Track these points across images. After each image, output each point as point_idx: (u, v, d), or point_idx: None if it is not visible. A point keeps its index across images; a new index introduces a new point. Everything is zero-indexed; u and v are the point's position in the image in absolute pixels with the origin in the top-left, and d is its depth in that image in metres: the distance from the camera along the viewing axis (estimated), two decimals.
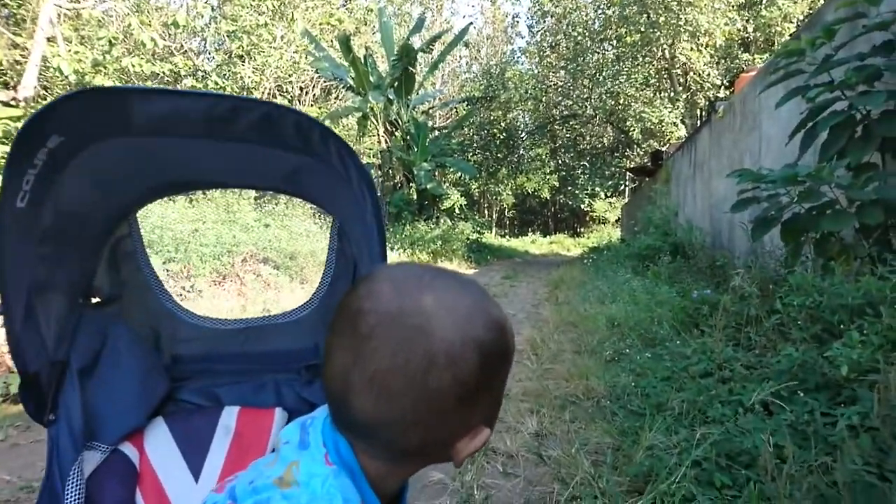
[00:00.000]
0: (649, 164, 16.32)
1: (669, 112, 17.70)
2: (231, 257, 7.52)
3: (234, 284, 6.87)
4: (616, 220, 28.54)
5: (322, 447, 0.64)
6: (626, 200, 23.96)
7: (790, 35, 15.77)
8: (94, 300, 1.08)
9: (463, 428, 0.63)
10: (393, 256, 14.30)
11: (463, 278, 0.65)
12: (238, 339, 1.17)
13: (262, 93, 20.78)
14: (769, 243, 5.08)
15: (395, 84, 19.31)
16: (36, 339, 0.90)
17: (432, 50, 19.72)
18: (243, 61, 20.00)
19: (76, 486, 0.90)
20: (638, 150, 20.51)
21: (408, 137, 19.80)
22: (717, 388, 2.86)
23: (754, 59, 16.09)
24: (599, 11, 18.66)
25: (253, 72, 19.93)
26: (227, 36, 20.05)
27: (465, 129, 23.18)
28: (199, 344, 1.16)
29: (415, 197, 19.62)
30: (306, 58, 20.02)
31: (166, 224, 7.57)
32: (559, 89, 21.27)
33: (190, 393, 1.12)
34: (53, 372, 0.94)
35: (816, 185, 3.55)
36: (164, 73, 19.30)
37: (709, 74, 16.26)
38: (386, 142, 19.80)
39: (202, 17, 20.42)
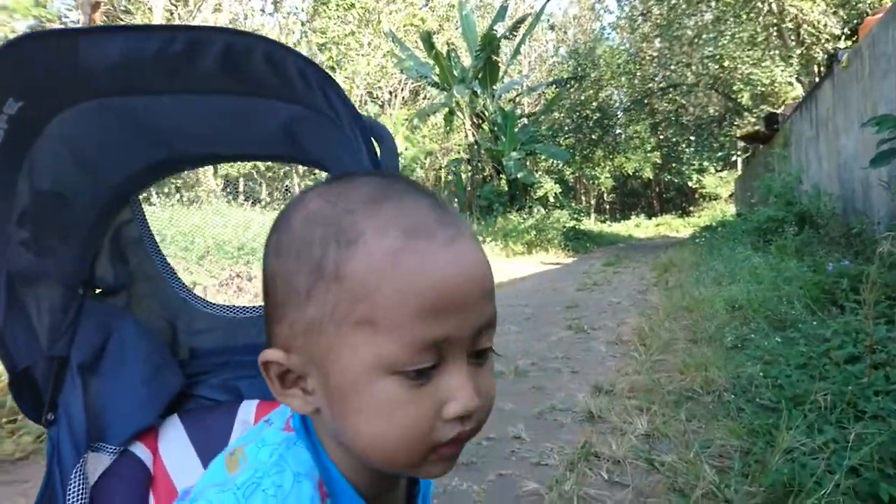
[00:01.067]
0: (763, 129, 14.89)
1: (782, 71, 16.20)
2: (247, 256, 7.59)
3: (253, 284, 6.85)
4: (729, 196, 26.35)
5: (288, 410, 0.56)
6: (740, 173, 22.11)
7: None
8: (98, 291, 1.02)
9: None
10: (486, 249, 14.10)
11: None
12: (255, 328, 1.08)
13: (354, 101, 21.33)
14: None
15: (480, 75, 19.10)
16: (25, 331, 0.85)
17: (515, 36, 19.27)
18: (334, 71, 20.62)
19: (79, 490, 0.85)
20: (749, 116, 18.85)
21: (495, 128, 19.52)
22: (869, 375, 2.36)
23: (881, 0, 14.23)
24: None
25: (344, 81, 20.49)
26: (318, 48, 20.78)
27: (555, 113, 22.45)
28: (216, 335, 1.08)
29: (506, 188, 19.26)
30: (392, 61, 20.29)
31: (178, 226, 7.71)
32: (655, 60, 19.98)
33: (210, 388, 1.03)
34: (50, 368, 0.89)
35: None
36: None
37: (825, 24, 14.61)
38: (473, 135, 19.64)
39: (293, 33, 21.29)
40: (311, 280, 0.51)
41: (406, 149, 20.38)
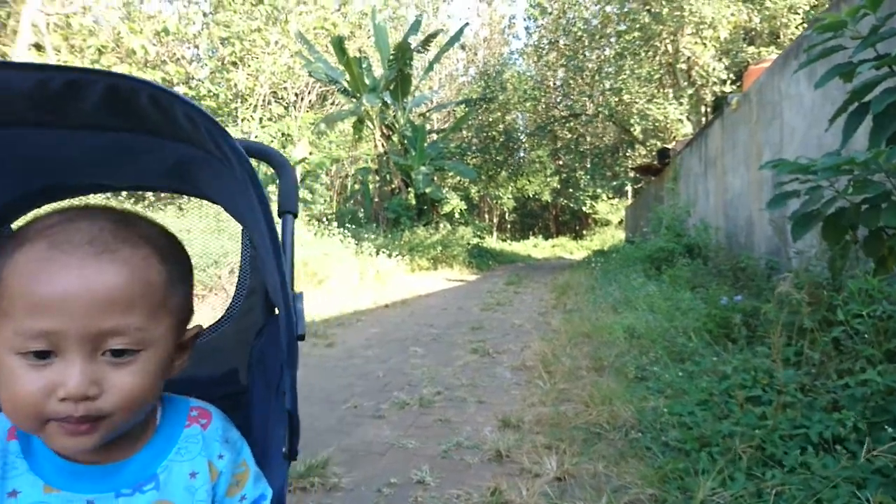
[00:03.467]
0: (655, 162, 15.90)
1: (675, 108, 17.33)
2: (217, 268, 7.08)
3: (220, 298, 6.43)
4: (619, 222, 28.06)
5: None
6: (630, 201, 23.44)
7: (799, 25, 15.27)
8: None
9: None
10: (391, 264, 13.81)
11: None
12: None
13: (257, 99, 20.39)
14: (800, 243, 4.62)
15: (391, 86, 18.93)
16: None
17: (428, 50, 19.35)
18: (237, 67, 19.62)
19: None
20: (641, 149, 20.07)
21: (405, 141, 19.39)
22: (774, 417, 2.38)
23: (760, 52, 15.66)
24: (598, 7, 18.25)
25: (247, 78, 19.54)
26: (220, 42, 19.68)
27: (464, 131, 22.84)
28: None
29: (413, 202, 19.18)
30: (300, 62, 19.64)
31: None
32: (559, 89, 20.84)
33: None
34: None
35: (870, 175, 3.08)
36: (155, 81, 18.96)
37: (714, 69, 15.83)
38: (383, 145, 19.41)
39: (193, 23, 20.05)
40: None
41: (311, 154, 19.77)
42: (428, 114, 22.61)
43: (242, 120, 19.75)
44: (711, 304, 4.37)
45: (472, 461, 2.67)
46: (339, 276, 10.33)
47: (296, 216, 0.99)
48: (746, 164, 7.21)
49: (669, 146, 15.43)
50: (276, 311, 1.07)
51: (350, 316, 7.44)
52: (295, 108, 20.54)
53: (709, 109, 17.89)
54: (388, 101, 19.44)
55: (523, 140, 24.23)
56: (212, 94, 18.68)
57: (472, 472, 2.56)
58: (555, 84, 20.80)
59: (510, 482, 2.36)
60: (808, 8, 15.05)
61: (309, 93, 20.83)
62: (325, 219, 16.30)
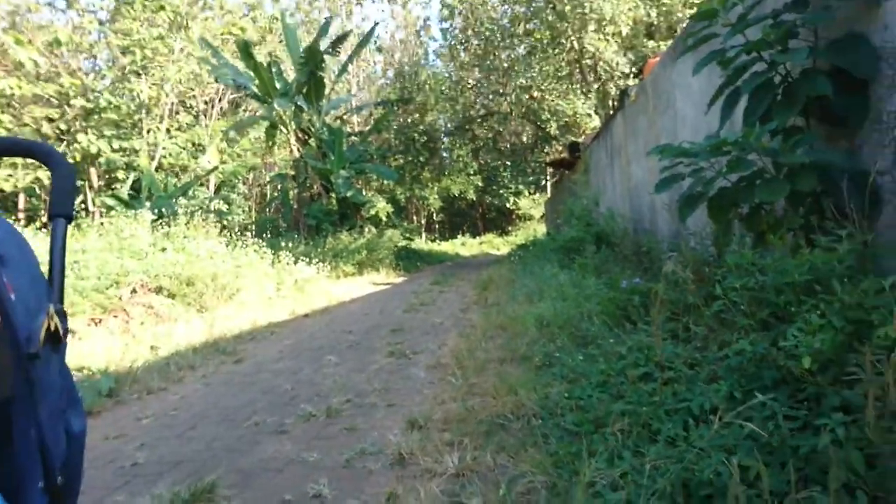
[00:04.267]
0: (567, 156, 16.33)
1: (583, 103, 17.90)
2: (117, 289, 6.66)
3: (119, 321, 6.03)
4: (541, 217, 28.77)
5: None
6: (549, 196, 24.11)
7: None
8: None
9: None
10: (310, 271, 13.42)
11: None
12: None
13: (163, 109, 19.46)
14: (694, 223, 4.83)
15: (304, 90, 18.56)
16: None
17: (339, 52, 19.08)
18: (139, 77, 18.69)
19: None
20: (556, 144, 20.63)
21: (322, 145, 19.04)
22: (660, 393, 2.44)
23: (659, 45, 16.41)
24: (506, 7, 18.60)
25: (150, 87, 18.62)
26: (120, 52, 18.68)
27: (385, 133, 22.71)
28: None
29: (335, 207, 18.86)
30: (207, 69, 18.94)
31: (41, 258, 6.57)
32: (474, 88, 21.09)
33: None
34: None
35: (744, 154, 3.23)
36: (49, 94, 17.75)
37: (617, 63, 16.46)
38: (299, 150, 18.99)
39: (90, 33, 18.92)
40: None
41: (224, 162, 19.07)
42: (346, 117, 22.35)
43: (148, 131, 18.82)
44: (614, 289, 4.49)
45: (373, 468, 2.60)
46: (254, 289, 10.05)
47: (70, 220, 0.89)
48: (646, 152, 7.49)
49: (581, 140, 15.86)
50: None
51: (264, 329, 7.19)
52: (206, 116, 19.75)
53: (615, 102, 18.56)
54: (303, 105, 19.04)
55: (444, 140, 24.40)
56: (113, 105, 17.72)
57: (373, 478, 2.49)
58: (471, 84, 21.04)
59: (408, 485, 2.31)
60: (699, 1, 15.91)
61: (220, 100, 20.11)
62: (238, 230, 15.77)
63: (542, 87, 18.36)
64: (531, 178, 23.99)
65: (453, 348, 4.87)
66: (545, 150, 21.87)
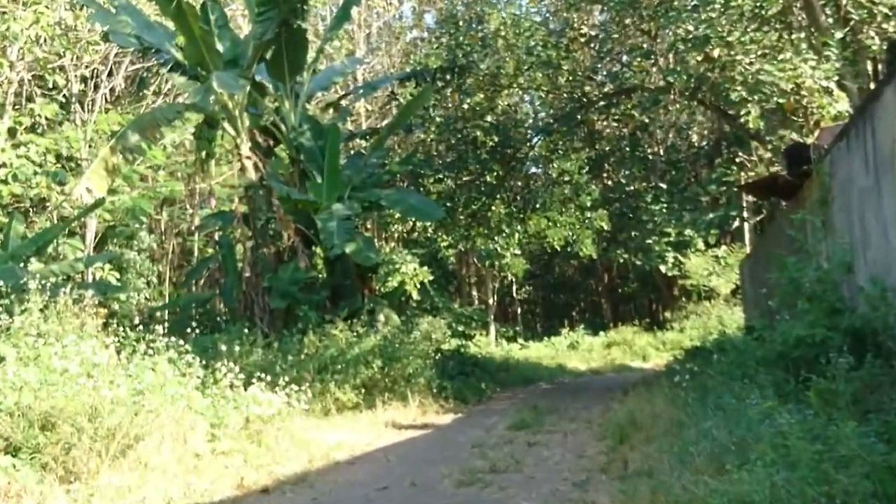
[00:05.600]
0: (785, 172, 9.87)
1: (813, 68, 9.63)
2: None
3: None
4: (732, 292, 18.58)
5: None
6: (748, 249, 15.06)
7: None
8: None
9: None
10: (275, 401, 8.13)
11: None
12: None
13: (5, 92, 10.85)
14: None
15: (269, 55, 10.81)
16: None
17: None
18: None
19: None
20: (761, 149, 11.93)
21: (300, 157, 11.44)
22: None
23: None
24: None
25: None
26: None
27: (419, 131, 14.06)
28: None
29: (323, 274, 11.88)
30: (85, 15, 10.38)
31: None
32: (593, 43, 12.44)
33: None
34: None
35: None
36: None
37: None
38: (257, 167, 11.23)
39: None
40: None
41: (114, 191, 10.73)
42: (347, 103, 14.17)
43: None
44: None
45: None
46: (168, 437, 6.90)
47: None
48: None
49: (810, 141, 9.57)
50: None
51: None
52: (83, 105, 11.33)
53: (880, 65, 10.49)
54: (265, 83, 11.48)
55: (535, 141, 14.87)
56: None
57: None
58: (586, 35, 12.22)
59: None
60: None
61: (110, 74, 11.67)
62: (140, 319, 10.45)
63: (730, 39, 10.05)
64: (709, 216, 14.19)
65: None
66: (736, 161, 12.87)
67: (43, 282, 8.56)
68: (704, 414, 6.19)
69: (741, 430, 5.04)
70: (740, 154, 13.50)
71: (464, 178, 13.92)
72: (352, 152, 12.97)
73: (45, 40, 10.24)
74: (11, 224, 10.07)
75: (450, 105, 13.74)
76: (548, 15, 13.43)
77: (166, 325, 9.64)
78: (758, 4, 10.46)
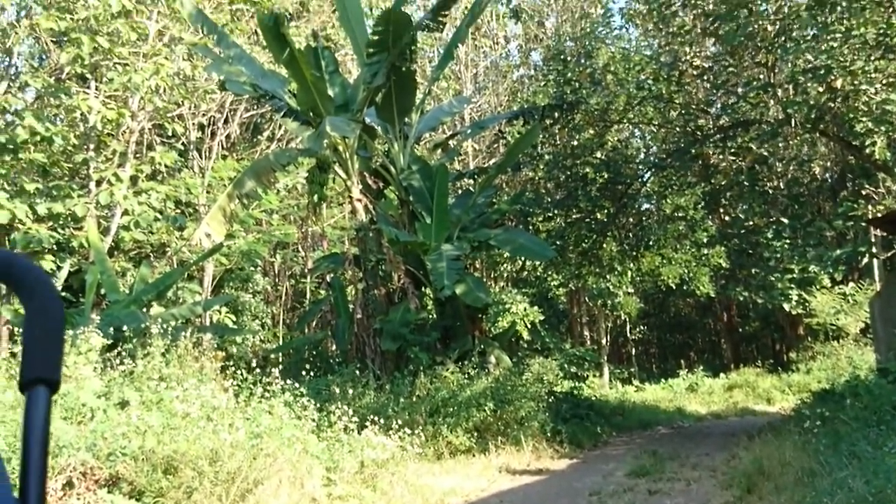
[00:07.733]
0: None
1: None
2: None
3: None
4: (862, 331, 17.25)
5: None
6: (879, 286, 13.75)
7: None
8: None
9: None
10: (388, 445, 8.01)
11: None
12: None
13: (126, 141, 11.22)
14: None
15: (378, 97, 10.21)
16: None
17: (441, 24, 10.42)
18: (85, 83, 10.67)
19: None
20: (889, 180, 10.78)
21: (410, 199, 10.97)
22: None
23: None
24: None
25: (105, 103, 10.46)
26: (53, 41, 10.73)
27: (526, 169, 13.64)
28: None
29: (433, 315, 11.40)
30: (202, 64, 10.60)
31: None
32: (707, 75, 11.60)
33: None
34: None
35: None
36: None
37: None
38: (367, 209, 10.86)
39: (3, 9, 11.04)
40: None
41: (231, 236, 10.70)
42: (454, 143, 13.60)
43: (98, 182, 10.60)
44: None
45: None
46: (285, 480, 6.79)
47: (54, 388, 0.59)
48: None
49: None
50: None
51: None
52: (200, 152, 11.47)
53: None
54: (375, 126, 10.59)
55: (646, 177, 14.26)
56: (39, 138, 9.88)
57: None
58: (699, 66, 11.46)
59: None
60: None
61: (226, 122, 11.75)
62: (256, 362, 10.31)
63: (853, 69, 9.07)
64: (836, 253, 13.33)
65: None
66: (863, 194, 11.77)
67: (164, 326, 8.43)
68: (838, 462, 5.92)
69: (879, 480, 4.80)
70: (867, 186, 12.25)
71: (574, 216, 13.16)
72: (460, 192, 12.58)
73: (164, 90, 10.52)
74: (140, 270, 10.27)
75: (558, 142, 13.15)
76: (658, 49, 12.76)
77: (280, 366, 9.44)
78: (881, 32, 9.53)
